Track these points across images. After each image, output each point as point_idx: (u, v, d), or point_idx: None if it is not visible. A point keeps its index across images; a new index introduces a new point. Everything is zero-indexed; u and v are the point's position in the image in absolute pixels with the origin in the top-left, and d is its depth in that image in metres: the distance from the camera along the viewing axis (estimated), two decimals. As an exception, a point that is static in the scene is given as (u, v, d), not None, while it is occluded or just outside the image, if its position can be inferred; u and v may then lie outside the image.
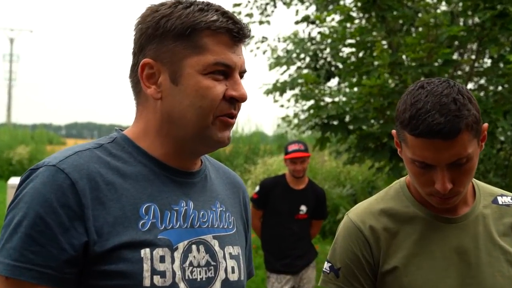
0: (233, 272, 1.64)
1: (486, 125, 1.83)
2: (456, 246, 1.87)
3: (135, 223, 1.49)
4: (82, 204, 1.44)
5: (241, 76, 1.60)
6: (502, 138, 7.24)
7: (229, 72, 1.56)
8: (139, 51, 1.59)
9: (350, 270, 1.91)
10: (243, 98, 1.57)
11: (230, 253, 1.65)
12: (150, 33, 1.56)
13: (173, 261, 1.51)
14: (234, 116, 1.59)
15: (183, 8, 1.56)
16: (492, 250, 1.88)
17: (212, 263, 1.59)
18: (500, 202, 1.96)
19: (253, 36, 8.95)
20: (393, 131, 1.89)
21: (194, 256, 1.56)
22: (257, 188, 6.03)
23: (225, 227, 1.68)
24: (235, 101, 1.57)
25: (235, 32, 1.56)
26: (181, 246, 1.54)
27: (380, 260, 1.89)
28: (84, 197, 1.45)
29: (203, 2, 1.58)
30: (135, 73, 1.61)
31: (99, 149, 1.56)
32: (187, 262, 1.54)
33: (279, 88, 8.31)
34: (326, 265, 1.96)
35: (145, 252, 1.47)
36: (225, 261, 1.63)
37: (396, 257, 1.88)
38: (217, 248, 1.62)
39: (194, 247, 1.56)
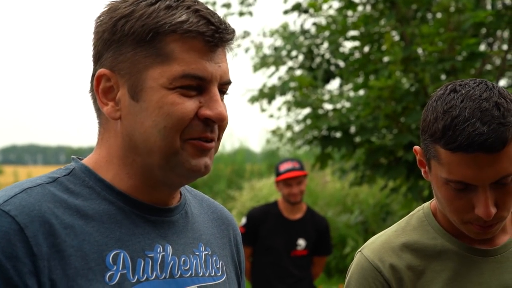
0: None
1: None
2: (497, 284, 1.87)
3: (101, 275, 1.48)
4: (34, 254, 1.42)
5: (224, 89, 1.59)
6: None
7: (203, 85, 1.54)
8: (96, 59, 1.59)
9: None
10: (220, 119, 1.55)
11: None
12: (106, 37, 1.55)
13: None
14: (211, 140, 1.57)
15: (147, 5, 1.54)
16: None
17: None
18: None
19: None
20: (416, 147, 1.88)
21: None
22: (244, 220, 6.03)
23: (212, 274, 1.67)
24: (210, 122, 1.55)
25: (208, 36, 1.53)
26: None
27: None
28: (36, 245, 1.43)
29: None
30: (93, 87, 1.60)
31: (53, 184, 1.54)
32: None
33: (267, 95, 8.33)
34: None
35: None
36: None
37: None
38: None
39: None
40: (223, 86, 1.58)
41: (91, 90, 1.61)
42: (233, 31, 1.58)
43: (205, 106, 1.54)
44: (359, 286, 1.92)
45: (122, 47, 1.54)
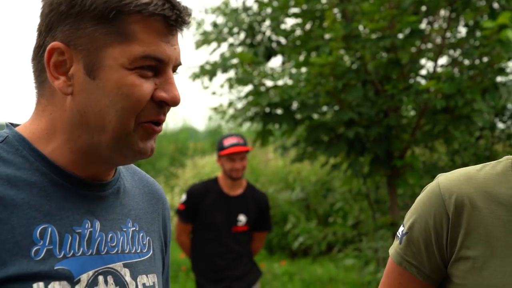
0: None
1: None
2: None
3: (27, 250, 1.46)
4: None
5: (174, 70, 1.59)
6: (480, 124, 7.37)
7: (160, 67, 1.55)
8: (46, 31, 1.56)
9: (416, 241, 1.91)
10: (175, 102, 1.56)
11: (143, 284, 1.64)
12: (63, 10, 1.52)
13: None
14: (161, 123, 1.58)
15: None
16: None
17: None
18: None
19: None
20: None
21: None
22: (184, 197, 6.01)
23: (138, 251, 1.67)
24: (164, 105, 1.56)
25: (172, 20, 1.54)
26: (85, 277, 1.52)
27: (458, 241, 1.87)
28: None
29: None
30: (39, 57, 1.57)
31: None
32: None
33: (208, 71, 8.28)
34: (399, 230, 1.96)
35: (37, 287, 1.45)
36: None
37: (481, 243, 1.85)
38: (128, 278, 1.61)
39: (100, 278, 1.55)
40: (174, 68, 1.59)
41: (34, 59, 1.59)
42: (191, 15, 1.59)
43: (160, 88, 1.54)
44: (421, 207, 1.92)
45: (80, 22, 1.52)
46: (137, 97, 1.52)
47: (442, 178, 1.93)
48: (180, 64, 1.60)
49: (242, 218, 5.95)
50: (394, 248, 1.96)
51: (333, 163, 7.48)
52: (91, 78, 1.52)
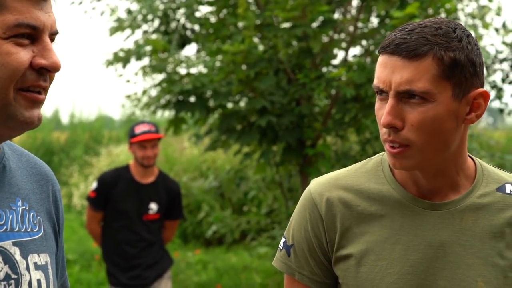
0: (39, 286, 1.62)
1: (482, 91, 1.83)
2: (433, 239, 1.85)
3: None
4: None
5: (52, 39, 1.58)
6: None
7: (36, 35, 1.54)
8: None
9: (301, 250, 1.95)
10: (55, 68, 1.55)
11: (35, 263, 1.63)
12: None
13: None
14: (43, 91, 1.56)
15: None
16: (480, 249, 1.86)
17: (13, 276, 1.56)
18: (508, 191, 1.92)
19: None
20: None
21: None
22: (94, 184, 5.96)
23: (29, 230, 1.65)
24: (45, 72, 1.55)
25: None
26: None
27: (335, 242, 1.91)
28: None
29: None
30: None
31: None
32: None
33: (122, 59, 8.17)
34: (281, 241, 1.99)
35: None
36: (29, 273, 1.60)
37: (356, 241, 1.89)
38: (18, 257, 1.59)
39: None
40: (52, 36, 1.57)
41: None
42: None
43: (38, 55, 1.53)
44: (298, 215, 1.96)
45: None
46: (14, 65, 1.51)
47: (313, 183, 1.98)
48: (57, 32, 1.59)
49: (153, 206, 5.93)
50: (281, 261, 1.99)
51: (246, 151, 7.49)
52: None
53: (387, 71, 1.79)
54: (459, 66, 1.78)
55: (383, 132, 1.82)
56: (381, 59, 1.81)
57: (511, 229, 1.88)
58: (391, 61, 1.78)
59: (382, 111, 1.81)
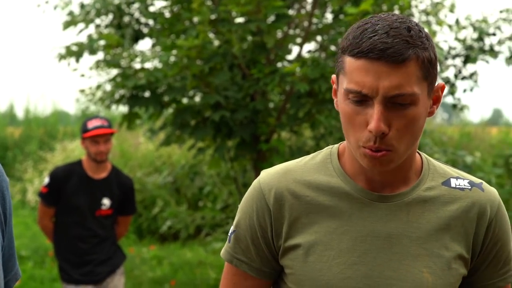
0: None
1: (442, 84, 1.87)
2: (380, 230, 1.88)
3: None
4: None
5: None
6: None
7: None
8: None
9: (244, 237, 1.97)
10: None
11: None
12: None
13: None
14: None
15: None
16: (426, 241, 1.89)
17: None
18: (453, 185, 1.96)
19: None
20: (333, 76, 1.91)
21: None
22: (46, 179, 5.88)
23: None
24: None
25: None
26: None
27: (283, 232, 1.92)
28: None
29: None
30: None
31: None
32: None
33: (75, 53, 8.09)
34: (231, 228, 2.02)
35: None
36: None
37: (305, 231, 1.91)
38: None
39: None
40: None
41: None
42: None
43: None
44: (245, 204, 1.98)
45: None
46: None
47: (263, 174, 1.99)
48: None
49: (106, 202, 5.87)
50: (224, 248, 2.02)
51: (200, 146, 7.47)
52: None
53: (371, 76, 1.76)
54: (432, 64, 1.81)
55: (365, 137, 1.80)
56: (361, 64, 1.77)
57: (456, 222, 1.92)
58: (375, 66, 1.76)
59: (362, 116, 1.80)
